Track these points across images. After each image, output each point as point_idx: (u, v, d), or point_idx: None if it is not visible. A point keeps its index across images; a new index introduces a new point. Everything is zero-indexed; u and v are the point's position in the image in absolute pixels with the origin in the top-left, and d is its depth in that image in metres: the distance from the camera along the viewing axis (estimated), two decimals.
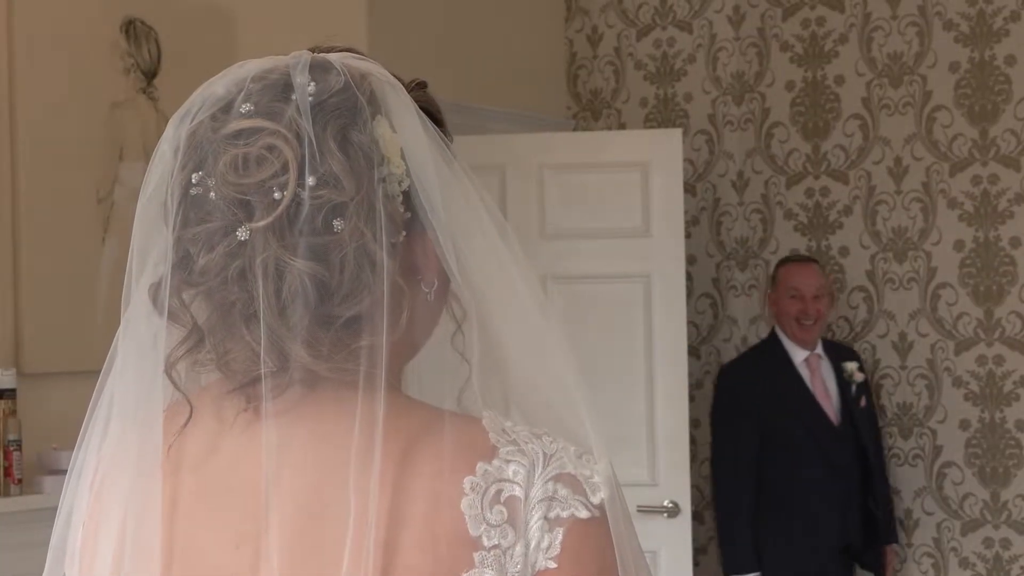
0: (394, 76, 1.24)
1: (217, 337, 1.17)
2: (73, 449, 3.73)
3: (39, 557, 3.85)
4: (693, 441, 5.23)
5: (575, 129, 5.63)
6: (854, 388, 4.89)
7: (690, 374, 5.04)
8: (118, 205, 3.89)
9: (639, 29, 5.59)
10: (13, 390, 3.55)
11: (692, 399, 5.19)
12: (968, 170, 5.08)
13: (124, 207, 3.90)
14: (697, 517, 5.29)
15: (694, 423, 5.25)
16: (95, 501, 1.23)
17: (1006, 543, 5.00)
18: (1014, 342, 5.02)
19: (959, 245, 5.10)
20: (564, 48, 5.70)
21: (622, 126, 5.59)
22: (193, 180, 1.16)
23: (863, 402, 4.92)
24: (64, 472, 3.70)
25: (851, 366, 4.90)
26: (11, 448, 3.50)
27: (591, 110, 5.67)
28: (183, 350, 1.18)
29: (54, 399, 3.69)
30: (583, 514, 1.13)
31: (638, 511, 4.70)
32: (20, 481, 3.53)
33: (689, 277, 5.23)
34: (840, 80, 5.28)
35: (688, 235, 5.17)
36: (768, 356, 4.95)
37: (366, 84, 1.19)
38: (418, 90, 1.26)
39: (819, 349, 4.93)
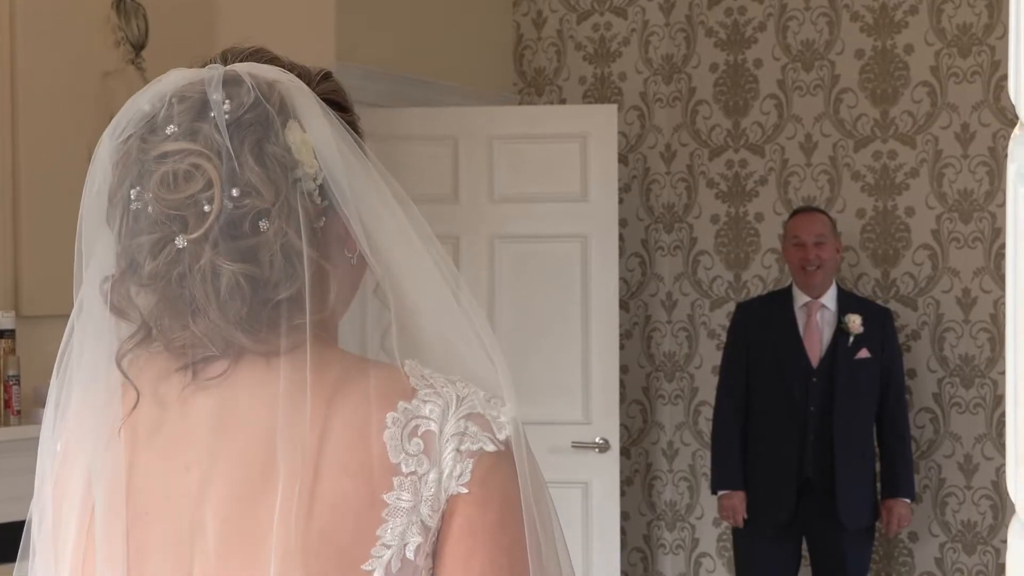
0: (299, 67, 1.25)
1: (164, 325, 1.20)
2: None
3: (34, 481, 3.88)
4: (622, 385, 5.24)
5: (520, 103, 5.60)
6: (851, 339, 4.63)
7: (620, 325, 5.05)
8: None
9: (579, 14, 5.57)
10: (12, 330, 3.55)
11: (622, 347, 5.20)
12: (870, 146, 5.10)
13: None
14: (624, 452, 5.30)
15: (623, 369, 5.24)
16: (61, 464, 1.26)
17: None
18: (907, 299, 5.05)
19: (861, 213, 5.12)
20: (511, 30, 5.66)
21: (563, 101, 5.56)
22: (132, 196, 1.18)
23: (863, 353, 4.62)
24: None
25: (852, 317, 4.62)
26: (11, 383, 3.50)
27: (535, 86, 5.64)
28: (132, 343, 1.21)
29: (49, 339, 3.55)
30: (491, 448, 1.18)
31: (572, 446, 4.75)
32: (19, 412, 3.52)
33: (621, 238, 5.22)
34: (759, 63, 5.28)
35: (621, 200, 5.15)
36: (776, 299, 4.83)
37: (275, 94, 1.20)
38: (323, 82, 1.26)
39: (827, 298, 4.71)
